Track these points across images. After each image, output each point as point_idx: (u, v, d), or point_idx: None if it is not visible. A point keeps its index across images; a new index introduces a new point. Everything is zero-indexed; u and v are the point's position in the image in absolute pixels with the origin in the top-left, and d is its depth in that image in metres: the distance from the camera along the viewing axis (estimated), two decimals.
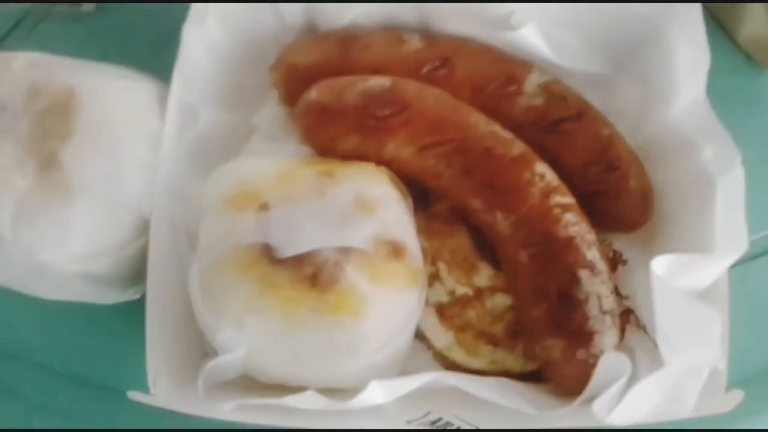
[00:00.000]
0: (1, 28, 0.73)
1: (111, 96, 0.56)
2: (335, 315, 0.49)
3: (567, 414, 0.48)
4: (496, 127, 0.56)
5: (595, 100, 0.63)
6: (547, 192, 0.54)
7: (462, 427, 0.51)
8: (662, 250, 0.52)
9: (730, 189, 0.53)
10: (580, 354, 0.51)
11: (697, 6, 0.60)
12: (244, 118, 0.66)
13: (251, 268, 0.49)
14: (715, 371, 0.49)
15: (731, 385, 0.51)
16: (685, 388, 0.46)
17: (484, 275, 0.59)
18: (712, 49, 0.60)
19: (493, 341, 0.57)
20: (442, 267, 0.59)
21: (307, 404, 0.46)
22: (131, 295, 0.58)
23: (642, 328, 0.56)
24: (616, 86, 0.66)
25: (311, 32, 0.66)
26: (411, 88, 0.57)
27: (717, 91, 0.63)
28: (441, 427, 0.51)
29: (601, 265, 0.53)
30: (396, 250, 0.53)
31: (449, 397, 0.51)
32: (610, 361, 0.47)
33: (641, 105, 0.63)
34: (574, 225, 0.53)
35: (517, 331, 0.57)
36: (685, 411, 0.46)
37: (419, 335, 0.59)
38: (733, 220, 0.53)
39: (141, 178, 0.55)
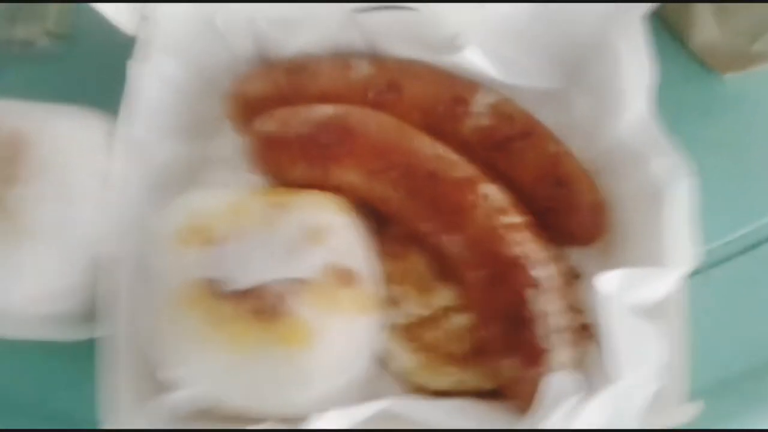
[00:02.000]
0: None
1: (59, 137, 0.57)
2: (283, 347, 0.49)
3: None
4: (441, 150, 0.57)
5: (548, 116, 0.64)
6: (492, 213, 0.54)
7: None
8: (616, 264, 0.52)
9: (677, 200, 0.54)
10: (533, 372, 0.51)
11: (640, 19, 0.60)
12: (201, 149, 0.67)
13: (197, 303, 0.50)
14: (671, 383, 0.49)
15: (695, 393, 0.51)
16: (630, 406, 0.46)
17: (442, 296, 0.59)
18: (667, 59, 0.61)
19: (455, 361, 0.57)
20: (400, 289, 0.59)
21: None
22: (89, 332, 0.58)
23: (599, 341, 0.56)
24: (567, 102, 0.66)
25: (262, 62, 0.66)
26: (354, 115, 0.57)
27: (673, 98, 0.63)
28: None
29: (550, 283, 0.53)
30: (346, 278, 0.53)
31: (408, 422, 0.51)
32: (556, 380, 0.47)
33: (591, 120, 0.63)
34: (521, 244, 0.53)
35: (478, 350, 0.57)
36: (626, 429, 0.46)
37: (380, 359, 0.59)
38: (681, 231, 0.53)
39: (93, 217, 0.56)
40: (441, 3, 0.61)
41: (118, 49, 0.63)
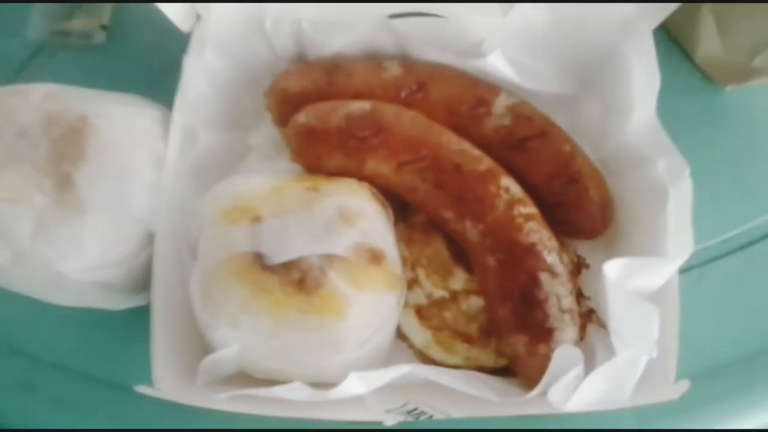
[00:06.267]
0: (18, 60, 0.79)
1: (118, 122, 0.62)
2: (320, 316, 0.54)
3: (528, 402, 0.53)
4: (466, 145, 0.62)
5: (561, 118, 0.69)
6: (511, 203, 0.59)
7: (436, 416, 0.56)
8: (620, 255, 0.57)
9: (679, 199, 0.58)
10: (542, 348, 0.56)
11: (650, 33, 0.65)
12: (241, 139, 0.73)
13: (245, 274, 0.55)
14: (662, 363, 0.55)
15: (686, 378, 0.56)
16: (629, 377, 0.51)
17: (459, 279, 0.64)
18: (673, 69, 0.66)
19: (468, 339, 0.63)
20: (421, 272, 0.64)
21: (294, 394, 0.52)
22: (139, 301, 0.63)
23: (602, 325, 0.62)
24: (580, 106, 0.72)
25: (301, 61, 0.72)
26: (388, 111, 0.63)
27: (677, 107, 0.68)
28: (417, 416, 0.56)
29: (561, 269, 0.58)
30: (375, 257, 0.58)
31: (424, 389, 0.56)
32: (563, 354, 0.52)
33: (602, 123, 0.69)
34: (536, 233, 0.59)
35: (489, 330, 0.62)
36: (624, 398, 0.51)
37: (401, 335, 0.65)
38: (681, 227, 0.58)
39: (146, 195, 0.61)
40: (467, 3, 0.65)
41: (164, 45, 0.69)
